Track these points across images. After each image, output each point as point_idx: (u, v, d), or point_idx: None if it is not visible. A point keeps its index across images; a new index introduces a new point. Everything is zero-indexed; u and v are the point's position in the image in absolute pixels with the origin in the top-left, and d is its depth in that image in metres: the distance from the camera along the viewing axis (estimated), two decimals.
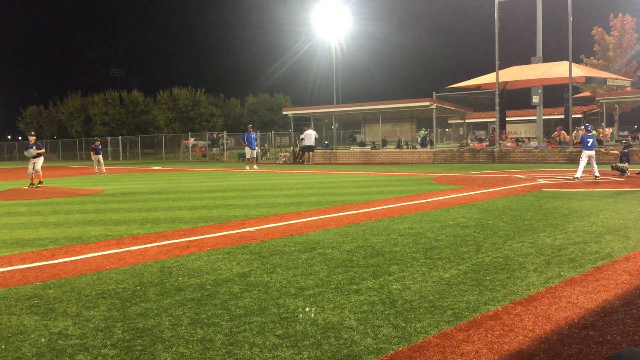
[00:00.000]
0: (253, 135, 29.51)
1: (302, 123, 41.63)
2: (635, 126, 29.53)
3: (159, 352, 3.72)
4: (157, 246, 7.37)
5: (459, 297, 4.80)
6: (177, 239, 7.91)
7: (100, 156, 28.04)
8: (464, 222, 8.75)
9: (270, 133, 46.49)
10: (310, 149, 32.33)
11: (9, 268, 6.30)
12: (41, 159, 18.45)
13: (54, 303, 4.88)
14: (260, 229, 8.60)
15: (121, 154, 52.64)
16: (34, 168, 18.20)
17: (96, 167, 27.87)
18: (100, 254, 6.96)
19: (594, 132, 17.31)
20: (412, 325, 4.11)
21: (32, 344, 3.92)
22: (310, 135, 31.93)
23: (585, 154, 15.85)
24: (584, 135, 16.34)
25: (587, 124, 18.44)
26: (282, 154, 37.47)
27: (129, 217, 10.23)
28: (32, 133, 19.82)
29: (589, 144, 15.84)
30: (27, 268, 6.29)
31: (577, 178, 15.52)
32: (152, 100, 66.43)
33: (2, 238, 8.29)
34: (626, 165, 16.91)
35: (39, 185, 18.19)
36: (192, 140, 47.36)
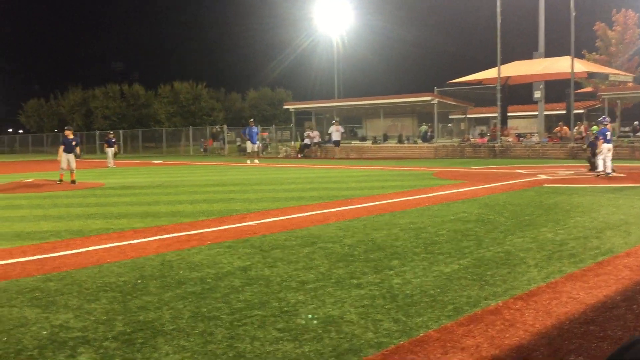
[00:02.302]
0: (254, 129, 29.59)
1: (303, 117, 41.57)
2: (636, 122, 29.33)
3: (160, 345, 3.72)
4: (158, 240, 7.38)
5: (460, 291, 4.80)
6: (178, 232, 7.91)
7: (112, 149, 27.80)
8: (465, 217, 8.75)
9: (271, 127, 46.41)
10: (336, 143, 32.65)
11: (10, 261, 6.31)
12: (73, 155, 16.58)
13: (55, 296, 4.89)
14: (261, 223, 8.60)
15: (122, 148, 52.57)
16: (68, 165, 16.40)
17: (110, 160, 27.62)
18: (101, 247, 6.97)
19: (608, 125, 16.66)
20: (413, 320, 4.12)
21: (33, 336, 3.93)
22: (337, 131, 32.46)
23: (606, 147, 15.38)
24: (603, 129, 15.76)
25: (604, 116, 17.70)
26: (283, 148, 37.40)
27: (130, 211, 10.23)
28: (68, 127, 17.56)
29: (608, 137, 15.43)
30: (28, 261, 6.30)
31: (610, 173, 15.09)
32: (153, 94, 66.22)
33: (3, 231, 8.29)
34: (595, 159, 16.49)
35: (73, 183, 16.15)
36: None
